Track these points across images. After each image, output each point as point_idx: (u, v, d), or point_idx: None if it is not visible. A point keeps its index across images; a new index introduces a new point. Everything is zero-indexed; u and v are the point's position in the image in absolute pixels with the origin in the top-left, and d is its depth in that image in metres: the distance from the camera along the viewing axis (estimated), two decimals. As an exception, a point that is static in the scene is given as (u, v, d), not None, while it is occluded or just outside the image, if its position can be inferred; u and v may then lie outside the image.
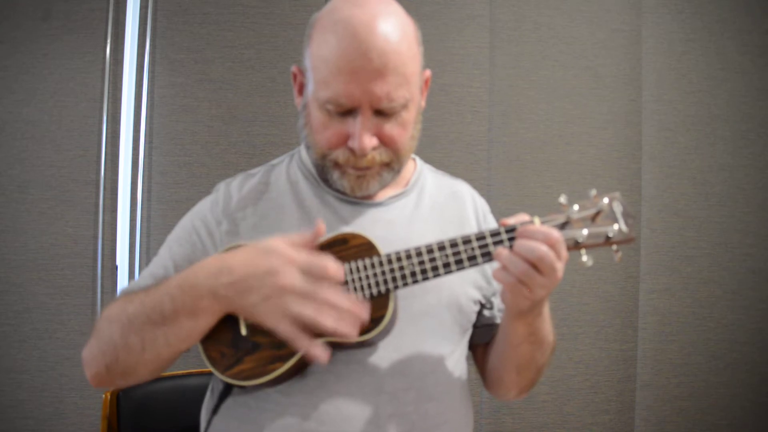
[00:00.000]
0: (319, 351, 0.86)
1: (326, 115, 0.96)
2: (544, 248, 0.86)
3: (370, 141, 0.95)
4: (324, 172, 1.01)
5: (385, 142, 0.97)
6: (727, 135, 2.23)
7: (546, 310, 1.00)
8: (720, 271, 2.21)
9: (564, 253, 0.88)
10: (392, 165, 1.00)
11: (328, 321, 0.85)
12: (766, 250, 2.25)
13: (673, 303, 2.19)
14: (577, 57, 2.14)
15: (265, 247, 0.89)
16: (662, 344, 2.18)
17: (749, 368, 2.22)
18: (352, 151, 0.96)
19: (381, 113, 0.95)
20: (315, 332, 0.86)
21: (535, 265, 0.86)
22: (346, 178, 1.00)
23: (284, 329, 0.86)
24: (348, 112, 0.95)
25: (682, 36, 2.22)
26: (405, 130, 0.99)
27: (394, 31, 0.95)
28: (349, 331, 0.85)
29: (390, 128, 0.97)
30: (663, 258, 2.18)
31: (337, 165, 0.99)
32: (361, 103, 0.93)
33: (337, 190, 1.05)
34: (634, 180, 2.17)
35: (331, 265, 0.87)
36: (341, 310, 0.85)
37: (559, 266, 0.87)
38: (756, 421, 2.22)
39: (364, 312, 0.87)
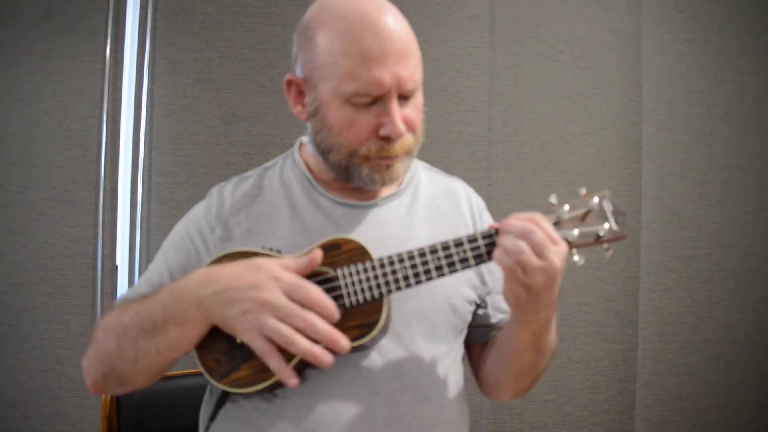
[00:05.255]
0: (289, 374, 0.87)
1: (352, 111, 0.95)
2: (530, 225, 0.87)
3: (403, 124, 0.96)
4: (349, 171, 0.99)
5: (408, 126, 0.98)
6: (727, 135, 2.23)
7: (554, 321, 0.99)
8: (720, 271, 2.21)
9: (555, 236, 0.88)
10: (412, 150, 1.01)
11: (302, 343, 0.85)
12: (766, 250, 2.25)
13: (673, 303, 2.19)
14: (577, 57, 2.14)
15: (255, 263, 0.90)
16: (662, 344, 2.18)
17: (749, 368, 2.22)
18: (385, 139, 0.96)
19: (401, 97, 0.96)
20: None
21: (527, 241, 0.86)
22: (376, 170, 0.99)
23: (258, 345, 0.86)
24: (373, 102, 0.95)
25: (682, 36, 2.22)
26: (420, 113, 1.00)
27: (399, 14, 0.97)
28: (321, 356, 0.85)
29: (410, 112, 0.98)
30: (663, 258, 2.18)
31: (367, 159, 0.98)
32: (390, 88, 0.94)
33: (339, 190, 1.05)
34: (634, 180, 2.17)
35: (315, 291, 0.87)
36: (317, 335, 0.85)
37: (554, 249, 0.87)
38: (756, 421, 2.22)
39: (342, 341, 0.86)
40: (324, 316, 0.87)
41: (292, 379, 0.87)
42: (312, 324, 0.85)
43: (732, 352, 2.21)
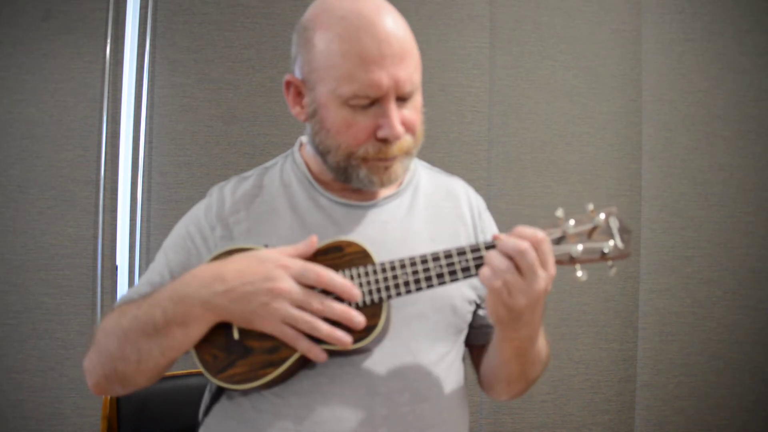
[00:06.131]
0: (318, 351, 0.91)
1: (350, 112, 0.95)
2: (525, 245, 0.85)
3: (401, 126, 0.96)
4: (348, 172, 0.99)
5: (406, 127, 0.97)
6: (727, 135, 2.23)
7: (541, 335, 0.99)
8: (720, 271, 2.21)
9: (549, 260, 0.87)
10: (411, 151, 1.01)
11: (323, 327, 0.89)
12: (766, 250, 2.25)
13: (673, 303, 2.19)
14: (577, 57, 2.14)
15: (258, 256, 0.92)
16: (662, 344, 2.18)
17: (749, 368, 2.22)
18: (383, 141, 0.96)
19: (399, 99, 0.96)
20: (310, 337, 0.90)
21: (516, 263, 0.85)
22: (375, 172, 0.99)
23: (285, 333, 0.90)
24: (371, 104, 0.95)
25: (682, 36, 2.22)
26: (419, 114, 1.00)
27: (398, 16, 0.97)
28: (342, 337, 0.89)
29: (408, 113, 0.98)
30: (663, 258, 2.18)
31: (365, 160, 0.98)
32: (388, 90, 0.94)
33: (339, 191, 1.05)
34: (634, 180, 2.17)
35: (323, 271, 0.90)
36: (334, 315, 0.89)
37: (542, 274, 0.85)
38: (756, 421, 2.22)
39: (358, 318, 0.90)
40: (337, 291, 0.91)
41: (322, 355, 0.91)
42: (328, 305, 0.89)
43: (732, 352, 2.21)
